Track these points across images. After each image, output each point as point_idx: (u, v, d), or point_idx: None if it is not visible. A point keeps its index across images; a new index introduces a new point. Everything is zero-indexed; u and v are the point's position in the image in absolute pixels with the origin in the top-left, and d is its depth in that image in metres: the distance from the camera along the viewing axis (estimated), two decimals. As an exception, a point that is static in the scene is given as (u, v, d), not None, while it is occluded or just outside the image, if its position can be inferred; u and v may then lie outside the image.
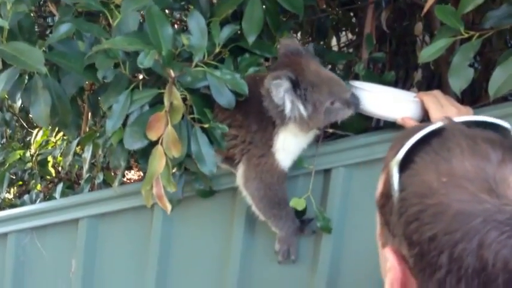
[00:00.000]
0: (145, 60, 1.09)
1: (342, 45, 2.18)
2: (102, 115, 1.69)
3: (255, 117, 1.27)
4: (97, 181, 1.82)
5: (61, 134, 2.24)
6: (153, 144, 1.21)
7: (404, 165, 0.61)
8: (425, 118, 1.21)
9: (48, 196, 2.10)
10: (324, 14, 1.80)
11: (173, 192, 1.26)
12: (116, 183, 1.50)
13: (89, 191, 1.86)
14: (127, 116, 1.26)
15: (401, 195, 0.59)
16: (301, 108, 1.19)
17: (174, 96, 1.19)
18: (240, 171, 1.31)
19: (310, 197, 1.30)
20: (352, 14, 2.06)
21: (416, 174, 0.59)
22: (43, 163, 2.25)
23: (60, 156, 2.05)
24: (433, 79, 1.93)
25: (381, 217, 0.67)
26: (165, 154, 1.19)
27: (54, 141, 2.26)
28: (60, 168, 2.27)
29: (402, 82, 2.07)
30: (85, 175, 1.80)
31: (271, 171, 1.27)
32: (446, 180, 0.55)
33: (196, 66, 1.25)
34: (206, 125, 1.26)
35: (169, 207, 1.23)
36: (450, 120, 0.63)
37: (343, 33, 2.22)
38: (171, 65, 1.18)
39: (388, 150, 0.70)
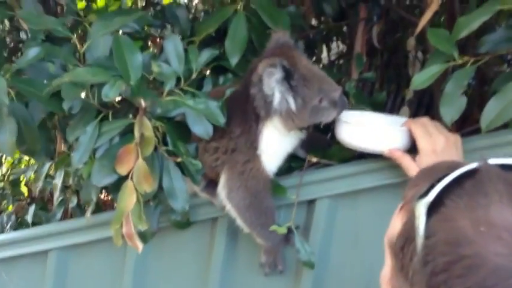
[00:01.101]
0: (111, 92, 1.01)
1: (333, 57, 2.10)
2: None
3: (238, 120, 1.20)
4: (71, 205, 1.71)
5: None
6: (124, 178, 1.13)
7: (432, 207, 0.55)
8: (412, 147, 1.13)
9: (20, 218, 2.00)
10: (314, 31, 1.71)
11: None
12: (88, 214, 1.41)
13: (62, 215, 1.77)
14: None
15: (429, 241, 0.53)
16: (291, 101, 1.12)
17: (145, 127, 1.11)
18: (221, 182, 1.24)
19: (292, 228, 1.23)
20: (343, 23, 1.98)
21: (448, 220, 0.53)
22: (15, 183, 2.15)
23: (34, 174, 1.94)
24: (424, 97, 1.86)
25: (395, 261, 0.60)
26: (136, 189, 1.11)
27: (28, 159, 2.16)
28: (33, 188, 2.17)
29: (393, 96, 2.01)
30: (56, 202, 1.70)
31: (257, 177, 1.20)
32: (484, 230, 0.50)
33: (171, 93, 1.17)
34: (179, 159, 1.18)
35: (140, 246, 1.15)
36: (484, 161, 0.57)
37: (334, 43, 2.15)
38: (141, 94, 1.09)
39: (409, 185, 0.64)
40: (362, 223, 1.26)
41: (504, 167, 0.57)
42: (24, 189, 2.11)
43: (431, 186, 0.56)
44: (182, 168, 1.20)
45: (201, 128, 1.18)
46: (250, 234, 1.25)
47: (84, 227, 1.47)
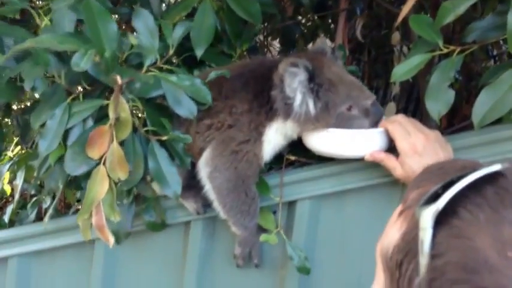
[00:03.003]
0: (82, 62, 0.90)
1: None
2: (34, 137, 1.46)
3: (247, 96, 1.12)
4: (44, 205, 1.56)
5: (18, 148, 2.05)
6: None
7: (442, 217, 0.44)
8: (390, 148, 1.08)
9: (-1, 218, 1.91)
10: (292, 22, 1.67)
11: (121, 223, 1.10)
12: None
13: (36, 216, 1.66)
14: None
15: (436, 262, 0.43)
16: (311, 105, 1.07)
17: (121, 108, 1.00)
18: (205, 158, 1.14)
19: (281, 234, 1.16)
20: (330, 20, 1.95)
21: (463, 236, 0.43)
22: (-4, 180, 2.05)
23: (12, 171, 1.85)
24: (413, 92, 1.83)
25: (390, 279, 0.50)
26: (109, 176, 1.02)
27: (12, 155, 2.06)
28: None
29: (383, 91, 1.98)
30: (15, 206, 1.58)
31: (251, 162, 1.12)
32: None
33: (148, 71, 1.08)
34: (164, 138, 1.08)
35: (111, 239, 1.05)
36: (510, 164, 0.47)
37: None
38: (116, 69, 0.99)
39: (411, 186, 0.53)
40: (348, 226, 1.19)
41: None
42: (7, 187, 2.01)
43: (442, 190, 0.45)
44: (169, 149, 1.10)
45: (184, 108, 1.09)
46: (226, 221, 1.17)
47: (47, 232, 1.37)
